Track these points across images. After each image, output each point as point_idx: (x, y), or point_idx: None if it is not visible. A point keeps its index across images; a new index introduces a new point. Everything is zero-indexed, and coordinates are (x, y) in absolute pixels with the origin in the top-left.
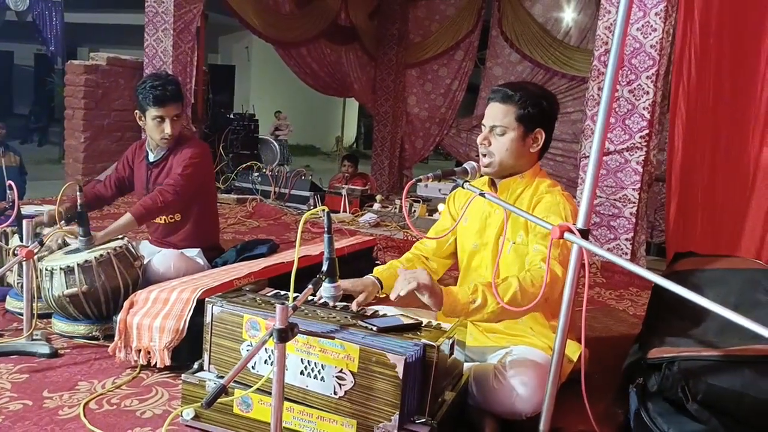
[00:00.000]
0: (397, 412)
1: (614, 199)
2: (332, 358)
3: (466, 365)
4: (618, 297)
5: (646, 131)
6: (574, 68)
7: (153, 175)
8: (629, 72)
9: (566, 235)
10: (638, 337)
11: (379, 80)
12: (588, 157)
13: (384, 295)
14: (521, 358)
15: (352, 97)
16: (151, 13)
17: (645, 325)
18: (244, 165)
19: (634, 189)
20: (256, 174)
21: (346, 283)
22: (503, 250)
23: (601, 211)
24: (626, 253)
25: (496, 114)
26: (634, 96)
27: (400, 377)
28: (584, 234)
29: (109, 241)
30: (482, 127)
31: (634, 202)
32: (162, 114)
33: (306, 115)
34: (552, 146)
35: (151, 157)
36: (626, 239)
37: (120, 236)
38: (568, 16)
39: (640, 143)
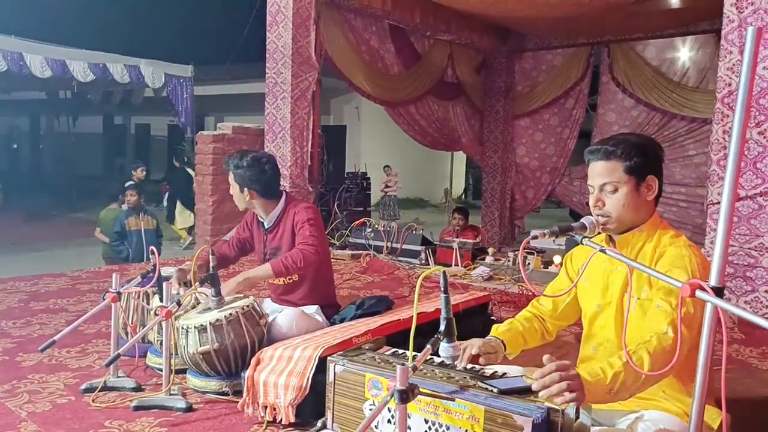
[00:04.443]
0: None
1: (749, 248)
2: (457, 419)
3: (593, 430)
4: (761, 355)
5: None
6: (695, 110)
7: (268, 240)
8: (758, 113)
9: (698, 293)
10: None
11: (487, 132)
12: (716, 203)
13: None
14: (654, 425)
15: (460, 150)
16: (271, 83)
17: None
18: (357, 221)
19: None
20: (369, 230)
21: (476, 343)
22: (629, 308)
23: (735, 261)
24: (767, 306)
25: (603, 172)
26: (764, 138)
27: None
28: (719, 292)
29: (235, 300)
30: (589, 188)
31: None
32: None
33: (415, 168)
34: (675, 191)
35: (265, 224)
36: (766, 291)
37: (245, 295)
38: (684, 56)
39: None
